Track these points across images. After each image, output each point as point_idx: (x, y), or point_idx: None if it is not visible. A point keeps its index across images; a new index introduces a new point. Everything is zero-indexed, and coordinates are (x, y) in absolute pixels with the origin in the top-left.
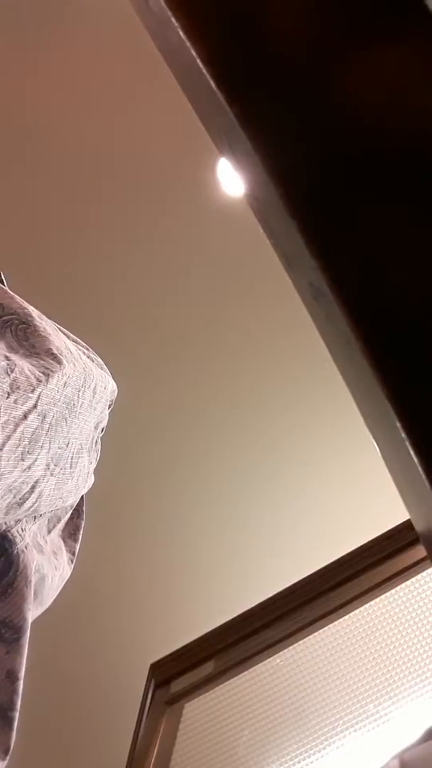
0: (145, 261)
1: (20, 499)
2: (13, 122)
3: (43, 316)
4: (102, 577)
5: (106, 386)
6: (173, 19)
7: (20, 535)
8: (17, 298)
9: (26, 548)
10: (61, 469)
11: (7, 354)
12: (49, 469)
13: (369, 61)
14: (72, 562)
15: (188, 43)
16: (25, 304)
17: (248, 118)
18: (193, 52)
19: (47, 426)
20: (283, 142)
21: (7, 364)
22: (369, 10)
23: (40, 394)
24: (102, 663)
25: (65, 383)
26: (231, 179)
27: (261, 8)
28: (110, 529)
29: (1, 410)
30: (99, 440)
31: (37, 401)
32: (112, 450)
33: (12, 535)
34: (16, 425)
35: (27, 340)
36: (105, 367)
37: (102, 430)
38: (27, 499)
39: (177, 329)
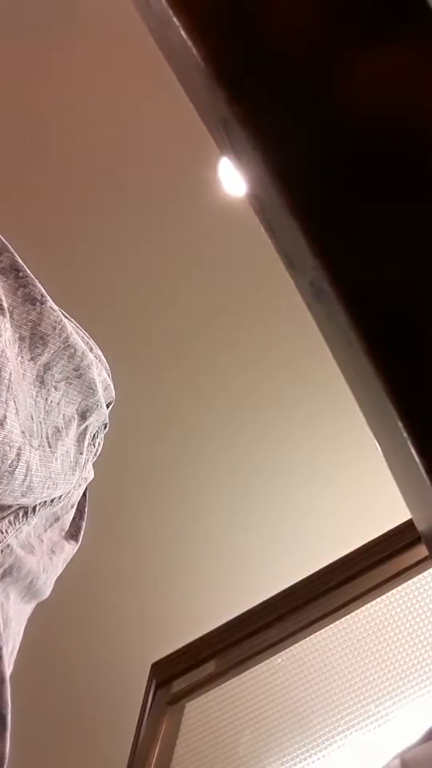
0: (146, 261)
1: (9, 466)
2: (12, 122)
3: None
4: (103, 577)
5: (99, 376)
6: (174, 18)
7: (3, 532)
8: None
9: (8, 547)
10: (39, 444)
11: None
12: (26, 437)
13: (370, 60)
14: (66, 560)
15: (189, 42)
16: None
17: (249, 116)
18: (194, 51)
19: (6, 383)
20: (283, 141)
21: None
22: (370, 9)
23: None
24: (103, 663)
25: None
26: (232, 179)
27: (262, 7)
28: (111, 528)
29: None
30: (97, 434)
31: None
32: (113, 450)
33: None
34: None
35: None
36: (107, 366)
37: (106, 426)
38: (16, 468)
39: (177, 330)
